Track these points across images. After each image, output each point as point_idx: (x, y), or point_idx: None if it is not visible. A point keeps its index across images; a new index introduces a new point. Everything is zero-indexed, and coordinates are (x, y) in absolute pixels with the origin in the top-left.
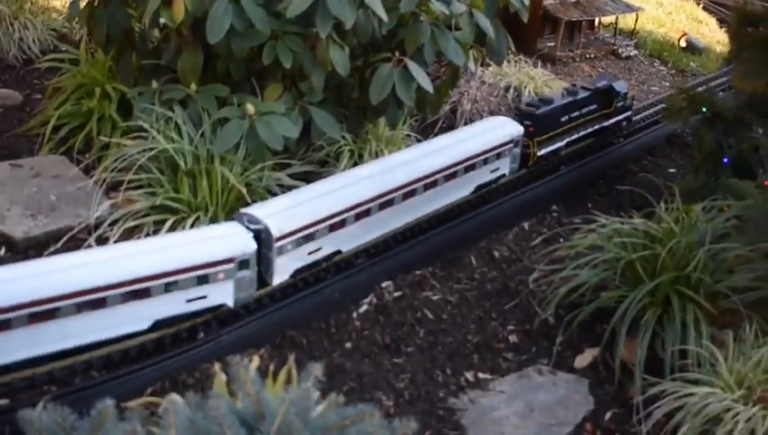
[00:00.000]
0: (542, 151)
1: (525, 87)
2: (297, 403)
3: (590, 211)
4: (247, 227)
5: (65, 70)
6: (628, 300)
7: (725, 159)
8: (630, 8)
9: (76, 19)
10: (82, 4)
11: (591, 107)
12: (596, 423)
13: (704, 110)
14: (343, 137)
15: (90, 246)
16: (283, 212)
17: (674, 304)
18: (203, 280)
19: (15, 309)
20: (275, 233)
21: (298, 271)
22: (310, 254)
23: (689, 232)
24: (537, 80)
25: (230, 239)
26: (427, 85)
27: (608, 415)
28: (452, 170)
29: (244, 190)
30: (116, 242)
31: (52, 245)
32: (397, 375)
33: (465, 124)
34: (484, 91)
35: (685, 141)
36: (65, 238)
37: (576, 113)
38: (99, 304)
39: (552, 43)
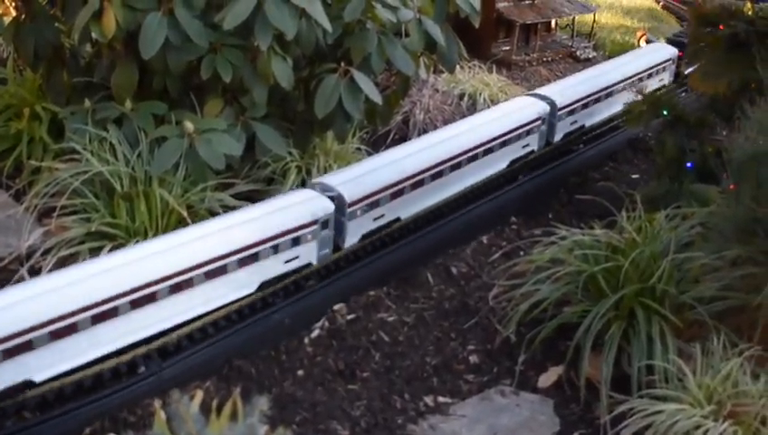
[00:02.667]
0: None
1: (480, 94)
2: None
3: (551, 222)
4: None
5: None
6: (591, 315)
7: (689, 164)
8: (587, 8)
9: (1, 36)
10: (7, 20)
11: None
12: None
13: (665, 113)
14: (290, 153)
15: (22, 277)
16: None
17: (639, 317)
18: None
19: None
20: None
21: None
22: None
23: (652, 241)
24: (492, 86)
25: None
26: (376, 96)
27: None
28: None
29: (185, 213)
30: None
31: None
32: (352, 403)
33: (419, 135)
34: (437, 99)
35: (647, 145)
36: None
37: None
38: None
39: (508, 48)
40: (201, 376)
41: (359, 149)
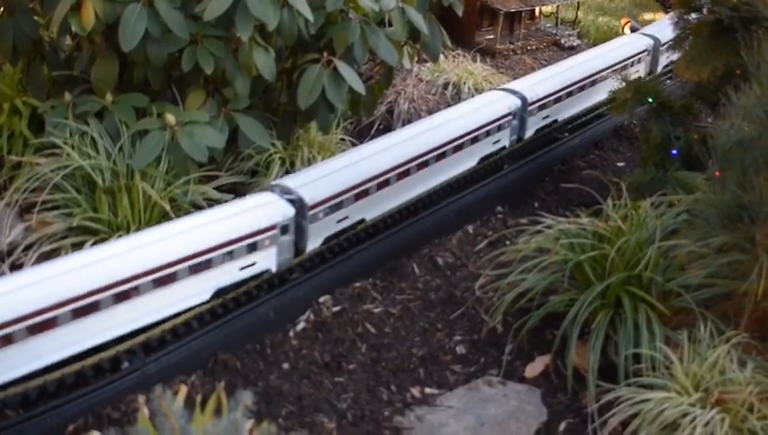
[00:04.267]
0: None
1: (464, 83)
2: None
3: (537, 211)
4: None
5: None
6: (578, 303)
7: (674, 151)
8: None
9: None
10: None
11: None
12: None
13: (650, 100)
14: (273, 144)
15: (3, 273)
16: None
17: (625, 305)
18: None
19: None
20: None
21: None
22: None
23: (638, 229)
24: (477, 75)
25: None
26: (359, 86)
27: (562, 426)
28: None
29: (168, 207)
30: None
31: None
32: (338, 395)
33: (403, 125)
34: (421, 89)
35: (633, 134)
36: None
37: None
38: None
39: (492, 36)
40: (186, 371)
41: (343, 139)
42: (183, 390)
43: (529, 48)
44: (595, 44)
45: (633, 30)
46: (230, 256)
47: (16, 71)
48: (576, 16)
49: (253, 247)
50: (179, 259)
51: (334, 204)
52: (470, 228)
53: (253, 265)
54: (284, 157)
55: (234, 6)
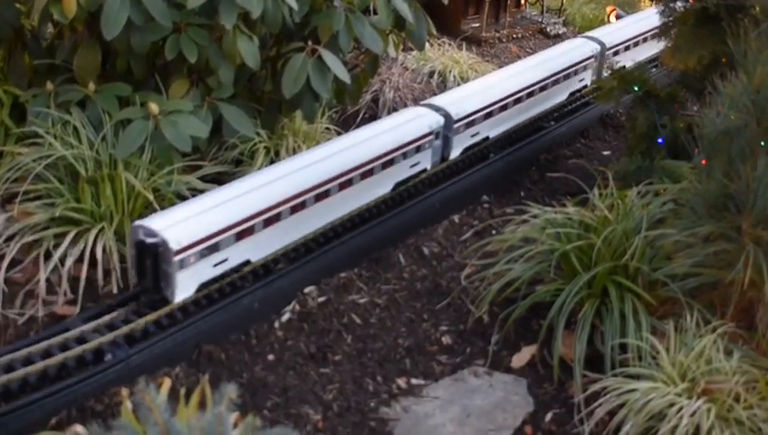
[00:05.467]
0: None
1: (450, 71)
2: (209, 430)
3: (523, 200)
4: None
5: None
6: (564, 293)
7: (660, 140)
8: None
9: None
10: None
11: None
12: (536, 425)
13: (635, 88)
14: (258, 133)
15: None
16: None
17: (612, 295)
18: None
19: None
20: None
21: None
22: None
23: (625, 219)
24: (462, 63)
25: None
26: (344, 75)
27: (548, 416)
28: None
29: (151, 197)
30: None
31: None
32: (324, 386)
33: (389, 113)
34: (406, 77)
35: (619, 122)
36: None
37: None
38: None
39: (477, 24)
40: (170, 362)
41: (328, 128)
42: (167, 383)
43: (515, 36)
44: (580, 32)
45: (618, 18)
46: (404, 156)
47: None
48: (561, 4)
49: (418, 149)
50: (375, 157)
51: (471, 121)
52: (456, 218)
53: (417, 163)
54: (269, 146)
55: None
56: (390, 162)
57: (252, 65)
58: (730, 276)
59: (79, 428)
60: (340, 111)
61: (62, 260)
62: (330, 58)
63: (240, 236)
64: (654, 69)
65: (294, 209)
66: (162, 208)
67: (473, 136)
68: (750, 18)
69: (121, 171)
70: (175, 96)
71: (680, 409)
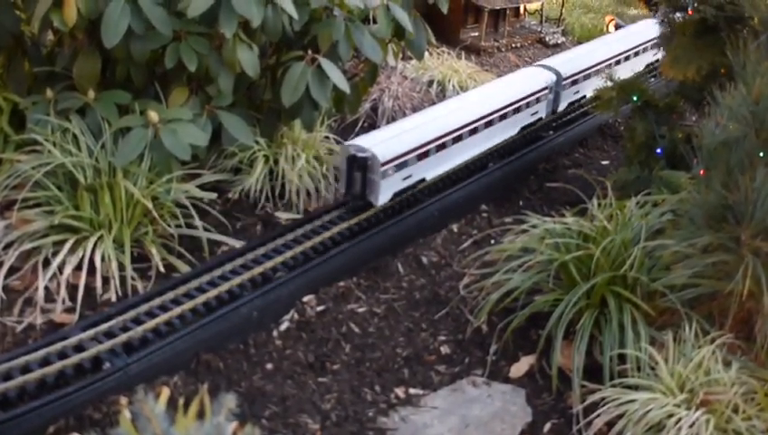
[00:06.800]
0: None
1: (449, 80)
2: None
3: (522, 210)
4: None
5: None
6: (563, 303)
7: (659, 150)
8: None
9: None
10: None
11: None
12: None
13: (634, 98)
14: (257, 142)
15: None
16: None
17: (610, 305)
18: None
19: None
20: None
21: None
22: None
23: (623, 229)
24: (461, 72)
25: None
26: (343, 84)
27: (547, 426)
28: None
29: (150, 205)
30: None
31: None
32: (322, 396)
33: (388, 123)
34: (405, 86)
35: (617, 132)
36: None
37: None
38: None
39: (477, 33)
40: (168, 371)
41: (327, 137)
42: (165, 392)
43: (513, 45)
44: (579, 42)
45: (618, 27)
46: (527, 105)
47: None
48: (561, 14)
49: (537, 100)
50: (510, 103)
51: (574, 80)
52: (455, 227)
53: (536, 112)
54: (268, 154)
55: (217, 3)
56: (518, 109)
57: (251, 74)
58: (729, 287)
59: None
60: (339, 119)
61: (61, 268)
62: (329, 67)
63: (420, 158)
64: (652, 79)
65: (455, 140)
66: (161, 217)
67: (575, 94)
68: (749, 29)
69: (120, 179)
70: (174, 104)
71: (679, 420)
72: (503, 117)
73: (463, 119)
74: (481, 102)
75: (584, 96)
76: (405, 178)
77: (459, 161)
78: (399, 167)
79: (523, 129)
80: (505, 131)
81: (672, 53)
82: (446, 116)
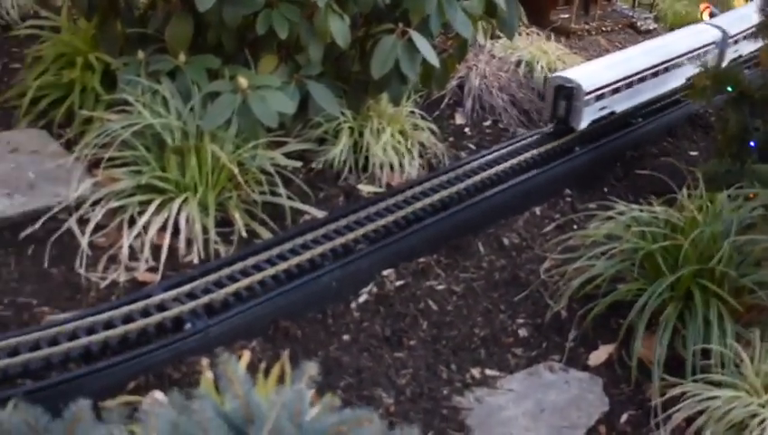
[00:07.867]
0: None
1: (538, 62)
2: (289, 406)
3: (606, 196)
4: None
5: (46, 38)
6: (646, 294)
7: (752, 143)
8: None
9: None
10: None
11: None
12: (611, 426)
13: (729, 89)
14: (342, 113)
15: (70, 228)
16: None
17: (696, 299)
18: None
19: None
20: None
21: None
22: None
23: (714, 221)
24: (550, 54)
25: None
26: (433, 59)
27: (623, 417)
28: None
29: (236, 170)
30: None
31: (29, 226)
32: (397, 371)
33: (474, 102)
34: (493, 65)
35: (707, 122)
36: (43, 219)
37: None
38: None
39: (567, 16)
40: (247, 336)
41: (412, 112)
42: (246, 355)
43: (604, 29)
44: (672, 29)
45: (712, 16)
46: (697, 57)
47: (90, 26)
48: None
49: (705, 54)
50: (685, 52)
51: (736, 40)
52: (537, 210)
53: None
54: (353, 127)
55: None
56: (690, 60)
57: (342, 44)
58: None
59: (158, 394)
60: (424, 95)
61: (146, 227)
62: (420, 41)
63: (614, 92)
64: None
65: (640, 80)
66: (245, 183)
67: (734, 52)
68: None
69: (207, 143)
70: (263, 71)
71: (763, 420)
72: (677, 65)
73: (648, 61)
74: (662, 48)
75: (740, 55)
76: (600, 109)
77: (643, 99)
78: (598, 98)
79: (688, 79)
80: (677, 79)
81: None
82: (635, 58)
